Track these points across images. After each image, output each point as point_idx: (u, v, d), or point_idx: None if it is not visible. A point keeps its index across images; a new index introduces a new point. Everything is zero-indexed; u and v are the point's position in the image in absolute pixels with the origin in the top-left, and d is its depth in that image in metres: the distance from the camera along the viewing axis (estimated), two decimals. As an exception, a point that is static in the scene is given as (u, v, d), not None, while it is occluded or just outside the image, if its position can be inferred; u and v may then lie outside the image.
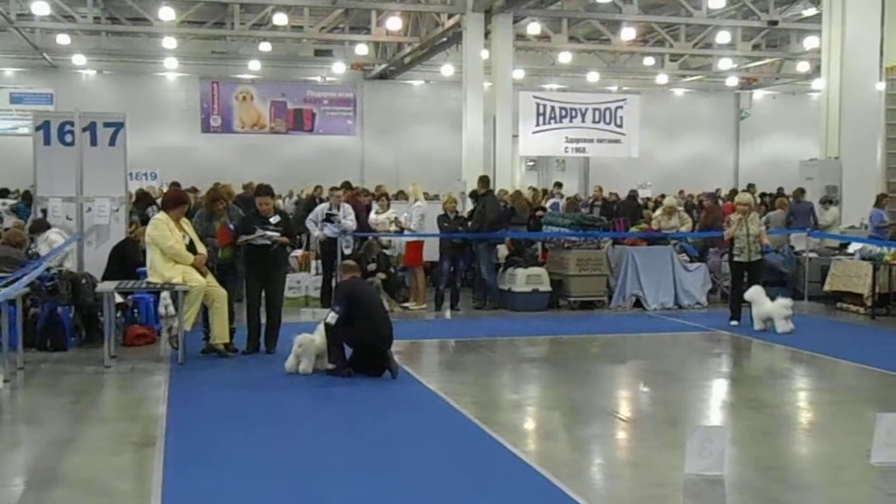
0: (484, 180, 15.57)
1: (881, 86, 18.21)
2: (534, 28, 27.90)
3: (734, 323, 13.27)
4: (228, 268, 11.16)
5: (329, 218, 14.59)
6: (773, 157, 35.99)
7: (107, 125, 13.13)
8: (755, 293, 12.87)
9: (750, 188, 24.88)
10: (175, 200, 10.93)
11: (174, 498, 5.97)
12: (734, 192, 23.47)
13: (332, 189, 15.77)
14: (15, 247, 11.46)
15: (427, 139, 34.53)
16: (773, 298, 12.81)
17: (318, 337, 9.85)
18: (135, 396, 9.16)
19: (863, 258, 14.51)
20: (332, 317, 9.65)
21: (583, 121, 27.74)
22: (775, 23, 27.40)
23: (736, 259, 13.43)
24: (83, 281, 11.45)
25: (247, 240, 10.93)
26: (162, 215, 10.74)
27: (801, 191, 18.05)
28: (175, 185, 12.64)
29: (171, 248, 10.42)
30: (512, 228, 17.04)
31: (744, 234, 13.28)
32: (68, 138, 12.97)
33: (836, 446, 7.63)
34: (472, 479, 6.47)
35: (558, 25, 29.00)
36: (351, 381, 9.55)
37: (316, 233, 14.80)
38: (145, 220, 14.14)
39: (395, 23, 27.01)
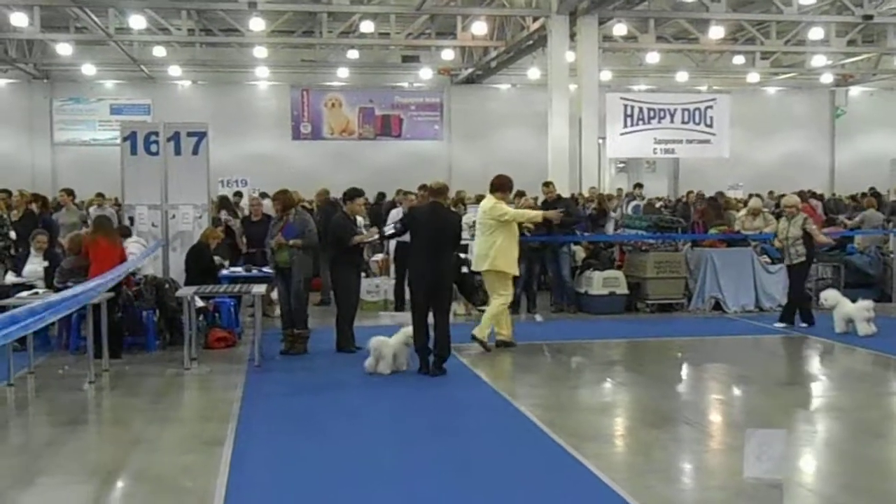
0: (549, 185, 15.60)
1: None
2: (620, 29, 27.65)
3: (778, 325, 13.30)
4: (286, 270, 11.46)
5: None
6: (870, 156, 34.87)
7: (190, 135, 13.55)
8: (833, 295, 12.69)
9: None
10: (505, 185, 11.70)
11: (237, 497, 6.18)
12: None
13: (405, 193, 15.97)
14: (77, 255, 11.70)
15: (514, 143, 34.49)
16: (854, 300, 12.51)
17: (395, 339, 10.13)
18: (211, 397, 9.47)
19: (953, 258, 14.08)
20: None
21: (672, 121, 27.45)
22: (870, 17, 26.57)
23: (783, 262, 13.62)
24: (166, 286, 11.87)
25: (363, 239, 11.84)
26: (491, 199, 11.63)
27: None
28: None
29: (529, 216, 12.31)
30: (600, 231, 16.97)
31: (783, 236, 13.21)
32: (153, 148, 13.44)
33: (907, 452, 7.47)
34: (528, 478, 6.53)
35: (645, 25, 28.67)
36: (419, 384, 9.73)
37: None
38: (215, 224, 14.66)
39: (480, 27, 27.06)
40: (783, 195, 15.95)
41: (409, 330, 10.23)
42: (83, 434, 8.25)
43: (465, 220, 15.59)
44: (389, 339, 10.18)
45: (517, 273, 12.05)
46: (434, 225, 10.36)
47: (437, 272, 10.21)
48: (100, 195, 19.67)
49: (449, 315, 10.42)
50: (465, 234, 15.43)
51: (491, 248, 11.45)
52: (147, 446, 7.54)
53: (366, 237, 12.01)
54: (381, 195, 23.60)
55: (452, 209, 11.12)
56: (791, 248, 13.16)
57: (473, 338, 11.46)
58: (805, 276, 13.64)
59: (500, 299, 11.64)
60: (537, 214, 12.70)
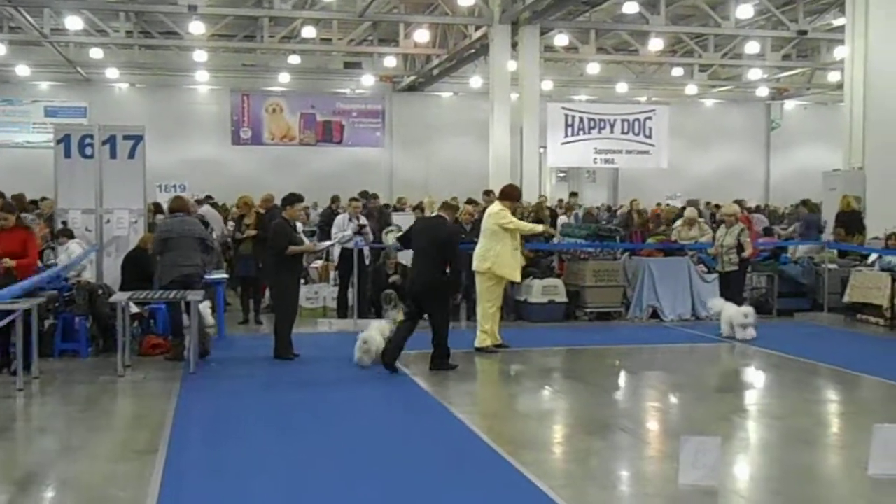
0: (490, 194, 15.66)
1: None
2: (561, 39, 27.91)
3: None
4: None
5: (360, 231, 14.65)
6: (804, 168, 35.50)
7: (126, 138, 13.31)
8: (718, 303, 13.31)
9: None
10: (511, 194, 12.28)
11: (169, 505, 6.08)
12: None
13: (351, 199, 15.85)
14: None
15: (455, 150, 34.60)
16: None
17: (378, 335, 10.88)
18: (144, 405, 9.30)
19: (882, 269, 14.38)
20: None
21: (611, 132, 27.66)
22: (805, 33, 27.17)
23: (716, 269, 14.02)
24: (100, 291, 11.65)
25: (299, 250, 11.69)
26: (498, 205, 12.03)
27: (809, 202, 18.10)
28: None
29: (526, 229, 12.28)
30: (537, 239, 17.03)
31: (719, 244, 13.74)
32: (88, 151, 13.18)
33: (836, 458, 7.64)
34: (464, 486, 6.52)
35: (586, 36, 29.00)
36: (356, 390, 9.69)
37: (344, 234, 14.73)
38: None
39: (422, 35, 27.17)
40: (717, 205, 16.25)
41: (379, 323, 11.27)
42: (11, 443, 8.05)
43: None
44: (376, 335, 10.94)
45: (518, 279, 12.58)
46: (426, 235, 10.94)
47: (423, 279, 10.74)
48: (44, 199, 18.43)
49: (442, 318, 10.81)
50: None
51: (489, 251, 11.92)
52: (77, 455, 7.38)
53: (306, 248, 11.99)
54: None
55: (444, 219, 11.27)
56: (725, 256, 13.67)
57: (478, 350, 11.96)
58: (742, 284, 14.08)
59: (485, 304, 12.06)
60: (534, 228, 12.97)
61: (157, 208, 16.74)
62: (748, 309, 13.20)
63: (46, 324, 11.27)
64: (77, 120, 30.34)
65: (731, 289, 13.65)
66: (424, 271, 10.76)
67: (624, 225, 19.65)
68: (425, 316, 10.86)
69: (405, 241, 11.73)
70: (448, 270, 10.77)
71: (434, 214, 11.43)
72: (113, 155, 13.23)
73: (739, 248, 13.54)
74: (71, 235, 12.88)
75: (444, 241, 10.71)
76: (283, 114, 34.03)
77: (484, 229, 12.15)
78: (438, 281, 10.76)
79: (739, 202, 21.26)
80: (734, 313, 13.05)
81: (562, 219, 21.58)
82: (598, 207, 27.62)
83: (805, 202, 20.42)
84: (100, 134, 13.27)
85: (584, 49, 29.31)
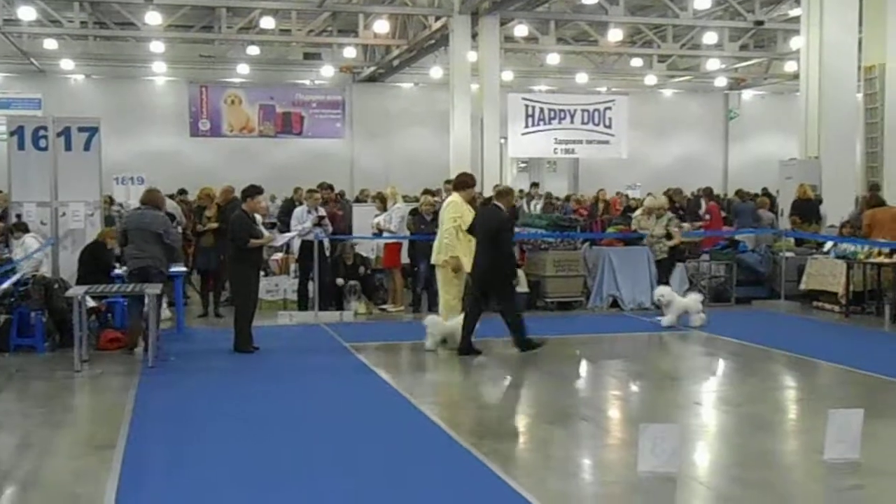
0: (450, 183, 15.59)
1: (860, 85, 18.26)
2: (521, 30, 27.98)
3: (659, 318, 13.60)
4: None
5: (320, 222, 14.58)
6: (761, 157, 35.90)
7: (81, 130, 13.18)
8: (668, 292, 13.44)
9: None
10: (462, 182, 12.09)
11: (127, 501, 6.00)
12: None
13: (310, 191, 15.75)
14: None
15: (416, 141, 34.58)
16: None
17: (451, 322, 11.38)
18: (102, 400, 9.22)
19: (837, 257, 14.58)
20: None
21: (572, 122, 27.90)
22: (761, 23, 27.48)
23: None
24: (56, 286, 11.51)
25: (261, 243, 11.62)
26: (455, 196, 11.89)
27: (741, 191, 18.53)
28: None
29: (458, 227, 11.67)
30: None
31: (650, 234, 14.45)
32: (43, 143, 13.02)
33: (793, 444, 7.73)
34: (425, 476, 6.52)
35: (546, 27, 29.09)
36: (316, 383, 9.70)
37: (304, 226, 14.63)
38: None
39: (382, 25, 27.10)
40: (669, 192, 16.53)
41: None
42: (-35, 440, 7.93)
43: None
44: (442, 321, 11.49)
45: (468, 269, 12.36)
46: (482, 223, 11.34)
47: (480, 266, 11.21)
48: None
49: (505, 302, 11.32)
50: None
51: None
52: (34, 451, 7.30)
53: (266, 240, 11.91)
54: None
55: (499, 208, 11.57)
56: (656, 245, 14.35)
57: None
58: (670, 271, 14.60)
59: (446, 296, 11.98)
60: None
61: (111, 200, 16.64)
62: (699, 296, 13.65)
63: (1, 319, 11.13)
64: (31, 112, 29.90)
65: (659, 275, 14.23)
66: (482, 258, 11.23)
67: (589, 214, 19.77)
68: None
69: (472, 231, 11.85)
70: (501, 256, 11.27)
71: (491, 204, 11.68)
72: (68, 147, 13.09)
73: (669, 236, 14.23)
74: (26, 229, 12.74)
75: (495, 229, 11.14)
76: (241, 105, 33.79)
77: (441, 220, 12.07)
78: (493, 266, 11.17)
79: (707, 190, 21.50)
80: (690, 302, 13.26)
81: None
82: (558, 198, 27.67)
83: (738, 192, 20.95)
84: (54, 126, 13.13)
85: (543, 39, 29.39)
